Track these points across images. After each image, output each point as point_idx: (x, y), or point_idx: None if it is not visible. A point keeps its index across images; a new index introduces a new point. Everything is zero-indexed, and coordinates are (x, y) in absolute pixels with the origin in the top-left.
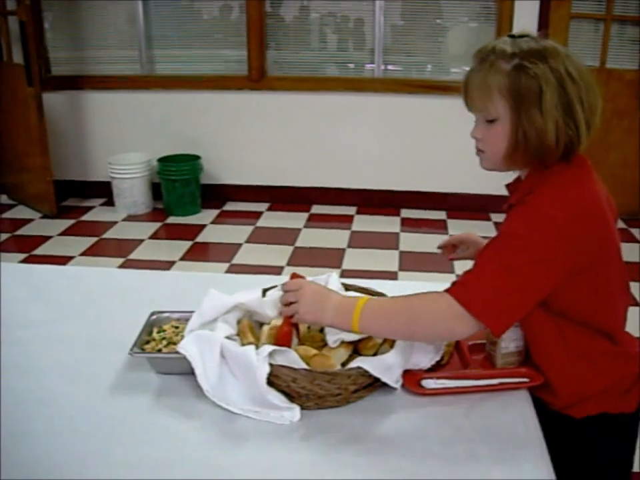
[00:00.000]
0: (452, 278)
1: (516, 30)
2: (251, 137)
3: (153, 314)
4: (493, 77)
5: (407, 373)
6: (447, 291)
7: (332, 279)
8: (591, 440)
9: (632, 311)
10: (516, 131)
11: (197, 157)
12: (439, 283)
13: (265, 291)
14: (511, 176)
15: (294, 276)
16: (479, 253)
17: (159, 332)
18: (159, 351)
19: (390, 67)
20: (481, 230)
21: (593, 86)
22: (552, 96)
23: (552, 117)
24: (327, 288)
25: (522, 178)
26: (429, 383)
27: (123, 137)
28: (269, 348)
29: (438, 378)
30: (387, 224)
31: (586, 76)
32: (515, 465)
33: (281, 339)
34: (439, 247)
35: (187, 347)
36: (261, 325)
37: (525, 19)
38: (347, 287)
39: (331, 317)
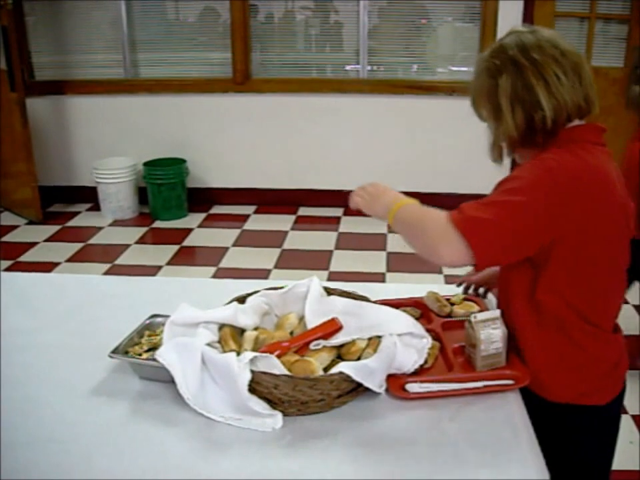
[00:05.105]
0: (440, 278)
1: (503, 27)
2: (237, 139)
3: (152, 316)
4: (474, 85)
5: (390, 377)
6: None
7: (313, 284)
8: (566, 429)
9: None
10: (490, 130)
11: (182, 161)
12: (427, 284)
13: (247, 297)
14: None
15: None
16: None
17: (150, 335)
18: (140, 355)
19: (375, 68)
20: None
21: (569, 62)
22: (507, 90)
23: (509, 110)
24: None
25: None
26: (413, 387)
27: (107, 142)
28: (250, 354)
29: (422, 382)
30: (374, 225)
31: (560, 54)
32: (503, 467)
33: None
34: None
35: (165, 355)
36: (243, 331)
37: (510, 18)
38: (330, 292)
39: (379, 209)
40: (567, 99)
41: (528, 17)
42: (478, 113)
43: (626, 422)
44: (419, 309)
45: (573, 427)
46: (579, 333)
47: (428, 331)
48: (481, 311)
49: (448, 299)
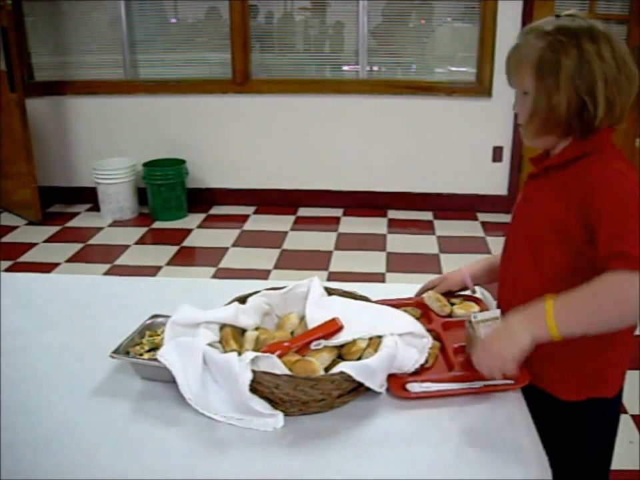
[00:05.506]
0: None
1: (502, 28)
2: (236, 140)
3: (152, 317)
4: (525, 51)
5: (391, 377)
6: (619, 267)
7: (314, 284)
8: (575, 424)
9: None
10: (535, 101)
11: (182, 161)
12: None
13: (247, 297)
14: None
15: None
16: (604, 233)
17: (151, 336)
18: (141, 355)
19: (374, 68)
20: (468, 230)
21: (628, 69)
22: (569, 71)
23: (566, 90)
24: (498, 327)
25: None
26: (414, 387)
27: (107, 142)
28: (251, 354)
29: (423, 381)
30: (374, 225)
31: (621, 58)
32: (504, 467)
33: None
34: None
35: (167, 355)
36: (244, 331)
37: (509, 18)
38: (330, 292)
39: (525, 341)
40: (617, 104)
41: (527, 17)
42: (516, 80)
43: (626, 422)
44: (419, 308)
45: (583, 421)
46: (613, 336)
47: (428, 330)
48: (481, 310)
49: (448, 299)
